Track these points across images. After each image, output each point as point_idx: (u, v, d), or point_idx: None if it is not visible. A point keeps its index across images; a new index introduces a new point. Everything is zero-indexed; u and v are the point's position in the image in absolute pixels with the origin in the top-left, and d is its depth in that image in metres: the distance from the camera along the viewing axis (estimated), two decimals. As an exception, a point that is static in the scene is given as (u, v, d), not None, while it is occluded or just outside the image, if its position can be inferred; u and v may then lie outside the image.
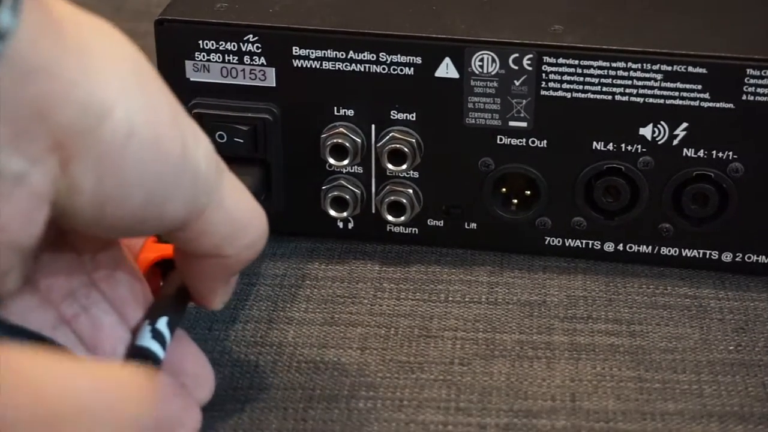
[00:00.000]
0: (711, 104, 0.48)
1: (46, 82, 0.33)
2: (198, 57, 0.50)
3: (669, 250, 0.51)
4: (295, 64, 0.50)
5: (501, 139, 0.50)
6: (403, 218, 0.52)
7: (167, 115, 0.37)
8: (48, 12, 0.34)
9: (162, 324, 0.41)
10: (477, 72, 0.49)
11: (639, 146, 0.49)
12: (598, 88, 0.49)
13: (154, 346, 0.40)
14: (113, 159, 0.35)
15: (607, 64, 0.48)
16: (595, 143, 0.50)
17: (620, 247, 0.52)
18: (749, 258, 0.51)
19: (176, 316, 0.42)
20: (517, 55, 0.49)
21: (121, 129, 0.35)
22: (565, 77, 0.49)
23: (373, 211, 0.52)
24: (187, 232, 0.39)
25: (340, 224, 0.53)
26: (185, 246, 0.40)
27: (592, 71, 0.48)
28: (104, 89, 0.34)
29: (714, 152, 0.49)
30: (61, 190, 0.34)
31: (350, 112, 0.50)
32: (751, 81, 0.47)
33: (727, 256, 0.51)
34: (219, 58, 0.50)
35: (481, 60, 0.49)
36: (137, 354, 0.40)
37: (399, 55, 0.49)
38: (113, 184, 0.35)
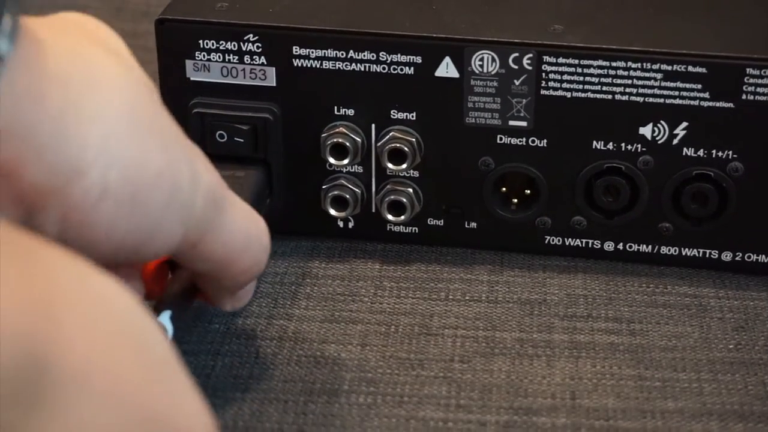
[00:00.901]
0: (711, 104, 0.48)
1: (17, 146, 0.33)
2: (198, 57, 0.50)
3: (669, 250, 0.51)
4: (295, 64, 0.50)
5: (501, 139, 0.50)
6: (403, 217, 0.52)
7: (157, 164, 0.36)
8: (39, 67, 0.33)
9: (165, 317, 0.41)
10: (477, 71, 0.49)
11: (639, 145, 0.49)
12: (598, 87, 0.49)
13: None
14: (80, 215, 0.34)
15: (607, 64, 0.48)
16: (595, 143, 0.50)
17: (620, 246, 0.52)
18: (749, 257, 0.51)
19: (181, 311, 0.42)
20: (517, 54, 0.49)
21: (94, 189, 0.34)
22: (565, 77, 0.49)
23: (374, 211, 0.52)
24: (180, 256, 0.39)
25: (341, 224, 0.53)
26: (183, 263, 0.40)
27: (592, 71, 0.48)
28: (80, 151, 0.34)
29: (714, 152, 0.49)
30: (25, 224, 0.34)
31: (350, 112, 0.50)
32: (751, 80, 0.48)
33: (726, 256, 0.51)
34: (219, 57, 0.50)
35: (481, 59, 0.49)
36: None
37: (399, 55, 0.49)
38: (78, 235, 0.35)
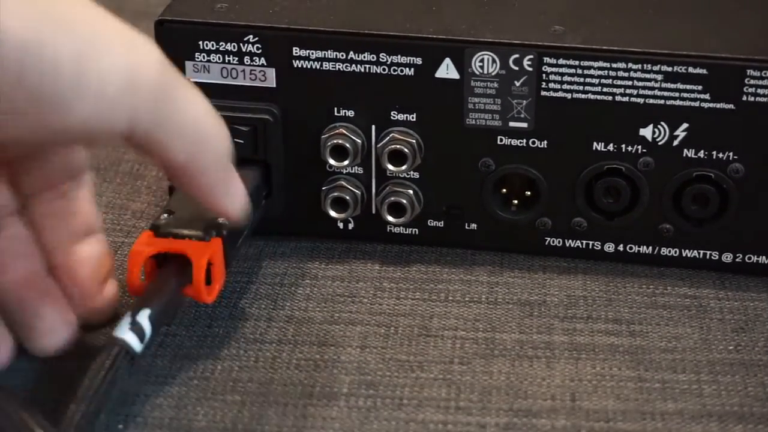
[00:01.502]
0: (711, 105, 0.48)
1: None
2: (198, 57, 0.50)
3: (669, 251, 0.51)
4: (295, 65, 0.50)
5: (501, 140, 0.50)
6: (403, 219, 0.52)
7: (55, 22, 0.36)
8: None
9: (143, 316, 0.41)
10: (477, 72, 0.49)
11: (639, 147, 0.49)
12: (599, 88, 0.49)
13: (131, 338, 0.41)
14: None
15: (608, 65, 0.48)
16: (595, 144, 0.50)
17: (620, 247, 0.52)
18: (749, 258, 0.51)
19: (161, 310, 0.42)
20: (517, 55, 0.49)
21: None
22: (566, 78, 0.49)
23: (374, 212, 0.52)
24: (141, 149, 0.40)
25: (341, 225, 0.53)
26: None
27: (592, 72, 0.48)
28: None
29: (714, 153, 0.49)
30: None
31: (350, 113, 0.50)
32: (752, 82, 0.47)
33: (727, 257, 0.51)
34: (219, 58, 0.50)
35: (482, 60, 0.49)
36: (112, 344, 0.41)
37: (399, 56, 0.49)
38: None
